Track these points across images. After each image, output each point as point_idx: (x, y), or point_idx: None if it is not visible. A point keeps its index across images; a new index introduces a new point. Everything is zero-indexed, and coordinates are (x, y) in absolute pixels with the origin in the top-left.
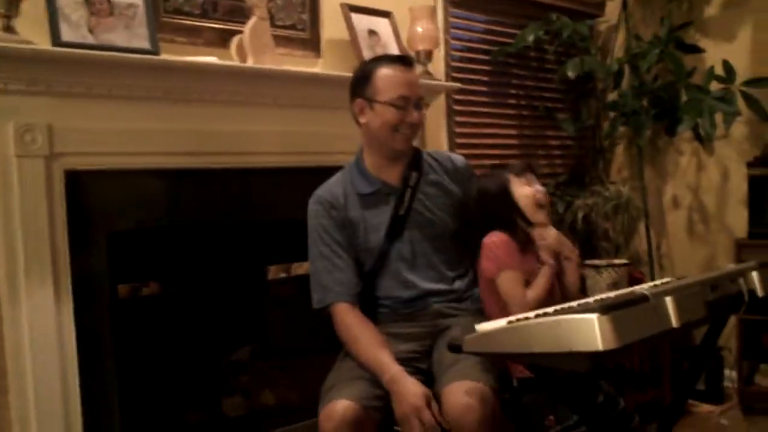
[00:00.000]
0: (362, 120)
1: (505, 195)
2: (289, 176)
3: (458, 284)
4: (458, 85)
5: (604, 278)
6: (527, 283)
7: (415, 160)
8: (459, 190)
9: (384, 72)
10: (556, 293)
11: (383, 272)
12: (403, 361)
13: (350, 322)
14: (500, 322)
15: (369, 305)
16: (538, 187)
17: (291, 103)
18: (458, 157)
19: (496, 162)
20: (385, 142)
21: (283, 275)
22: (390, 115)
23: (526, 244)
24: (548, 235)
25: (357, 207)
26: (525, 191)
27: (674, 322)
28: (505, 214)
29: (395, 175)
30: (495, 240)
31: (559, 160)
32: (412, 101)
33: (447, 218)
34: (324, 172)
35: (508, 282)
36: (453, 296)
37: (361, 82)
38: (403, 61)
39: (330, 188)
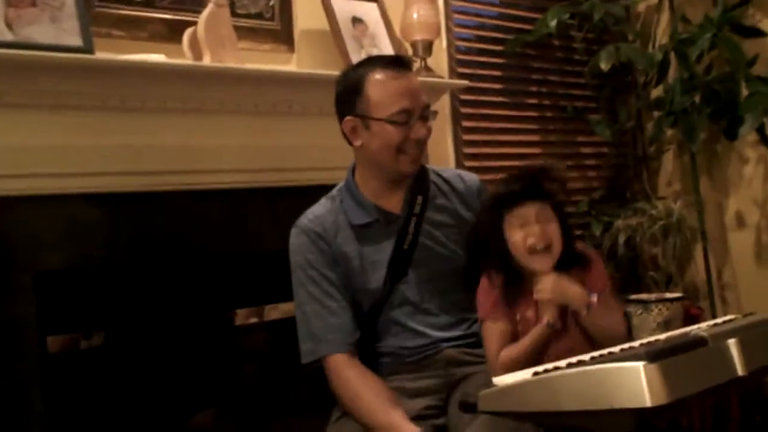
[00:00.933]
0: (356, 143)
1: (494, 231)
2: (257, 199)
3: (475, 328)
4: (465, 82)
5: (654, 317)
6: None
7: (419, 182)
8: (472, 218)
9: (377, 80)
10: (552, 357)
11: (385, 318)
12: (416, 419)
13: (349, 375)
14: (524, 374)
15: (367, 357)
16: (533, 228)
17: (258, 110)
18: (470, 176)
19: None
20: (387, 166)
21: (253, 320)
22: (391, 135)
23: (522, 289)
24: (543, 287)
25: (351, 240)
26: (514, 237)
27: (740, 370)
28: (495, 252)
29: (396, 201)
30: (480, 284)
31: (594, 172)
32: (417, 113)
33: (460, 251)
34: (302, 193)
35: (484, 333)
36: (470, 341)
37: (349, 95)
38: (400, 63)
39: (317, 217)
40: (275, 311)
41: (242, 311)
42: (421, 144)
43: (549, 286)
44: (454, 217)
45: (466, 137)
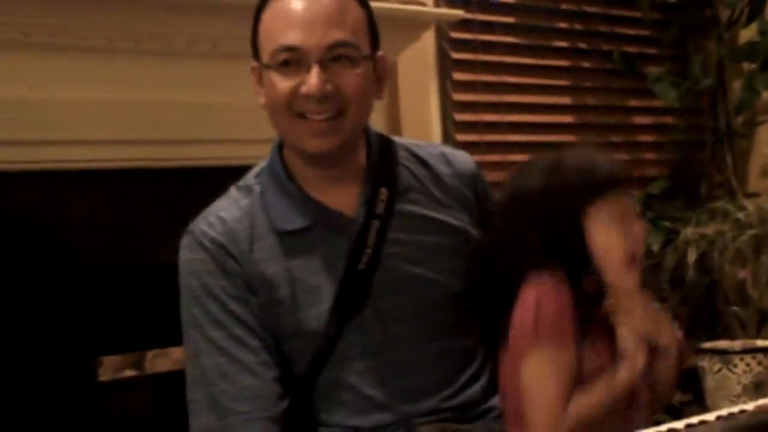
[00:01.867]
0: (261, 99)
1: (571, 227)
2: (141, 186)
3: (471, 392)
4: (459, 12)
5: (738, 375)
6: (580, 383)
7: (382, 166)
8: (465, 219)
9: (273, 6)
10: (636, 414)
11: (328, 379)
12: None
13: None
14: None
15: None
16: (634, 228)
17: (140, 48)
18: (460, 156)
19: (519, 160)
20: (289, 141)
21: (129, 374)
22: (275, 86)
23: (593, 305)
24: (637, 310)
25: (277, 256)
26: (607, 240)
27: None
28: (568, 242)
29: (347, 196)
30: (540, 288)
31: (652, 154)
32: (314, 54)
33: (447, 274)
34: (217, 178)
35: (535, 370)
36: (459, 412)
37: (253, 29)
38: None
39: (222, 219)
40: (163, 360)
41: (111, 359)
42: (319, 104)
43: (647, 310)
44: (435, 222)
45: (458, 97)
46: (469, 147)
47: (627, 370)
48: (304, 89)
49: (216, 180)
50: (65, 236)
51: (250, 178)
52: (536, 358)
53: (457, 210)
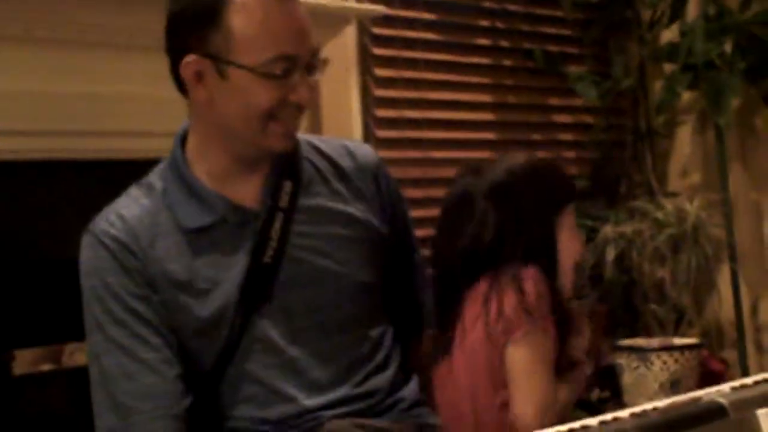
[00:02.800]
0: (200, 96)
1: (547, 233)
2: (49, 178)
3: (376, 381)
4: (381, 9)
5: (656, 373)
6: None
7: (287, 159)
8: (368, 211)
9: (247, 5)
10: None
11: (235, 373)
12: None
13: None
14: None
15: (205, 429)
16: (580, 237)
17: (53, 37)
18: (363, 149)
19: (450, 158)
20: (247, 139)
21: (46, 368)
22: (260, 93)
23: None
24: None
25: (180, 253)
26: (572, 247)
27: None
28: (547, 237)
29: (251, 190)
30: (531, 274)
31: (572, 153)
32: (302, 62)
33: (352, 265)
34: (124, 171)
35: (535, 350)
36: (366, 405)
37: (196, 22)
38: None
39: (122, 217)
40: (81, 354)
41: (27, 353)
42: (301, 110)
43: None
44: (340, 214)
45: (380, 93)
46: (390, 143)
47: (579, 374)
48: (295, 98)
49: (126, 172)
50: None
51: (151, 176)
52: (532, 339)
53: (359, 202)
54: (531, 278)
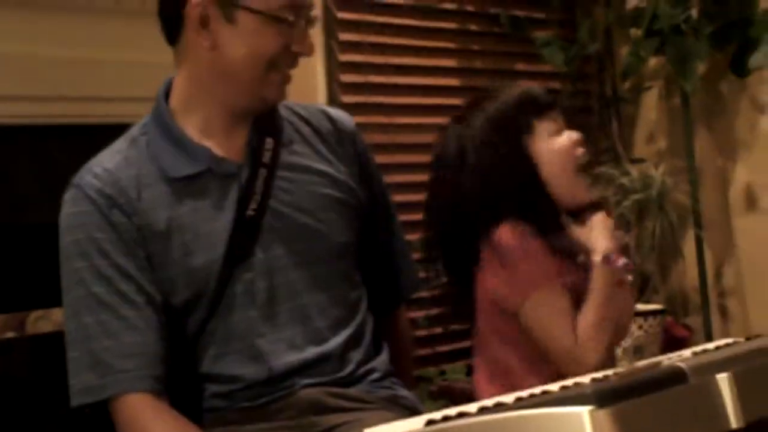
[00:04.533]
0: (202, 39)
1: (516, 152)
2: (17, 143)
3: (352, 349)
4: None
5: None
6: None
7: (268, 118)
8: (347, 173)
9: None
10: (624, 319)
11: (215, 329)
12: None
13: (151, 421)
14: (414, 423)
15: (182, 395)
16: (574, 134)
17: (36, 2)
18: (341, 114)
19: (416, 123)
20: (246, 87)
21: (9, 335)
22: (270, 38)
23: (560, 242)
24: (595, 220)
25: (166, 203)
26: (556, 144)
27: (734, 420)
28: (521, 187)
29: (234, 144)
30: (511, 237)
31: None
32: (306, 12)
33: (333, 224)
34: (96, 135)
35: (544, 309)
36: (339, 370)
37: None
38: None
39: (107, 170)
40: (45, 322)
41: None
42: (297, 61)
43: (602, 219)
44: (318, 172)
45: (344, 57)
46: (355, 108)
47: (601, 273)
48: (298, 48)
49: (94, 138)
50: None
51: (134, 130)
52: (537, 300)
53: (340, 164)
54: (507, 246)
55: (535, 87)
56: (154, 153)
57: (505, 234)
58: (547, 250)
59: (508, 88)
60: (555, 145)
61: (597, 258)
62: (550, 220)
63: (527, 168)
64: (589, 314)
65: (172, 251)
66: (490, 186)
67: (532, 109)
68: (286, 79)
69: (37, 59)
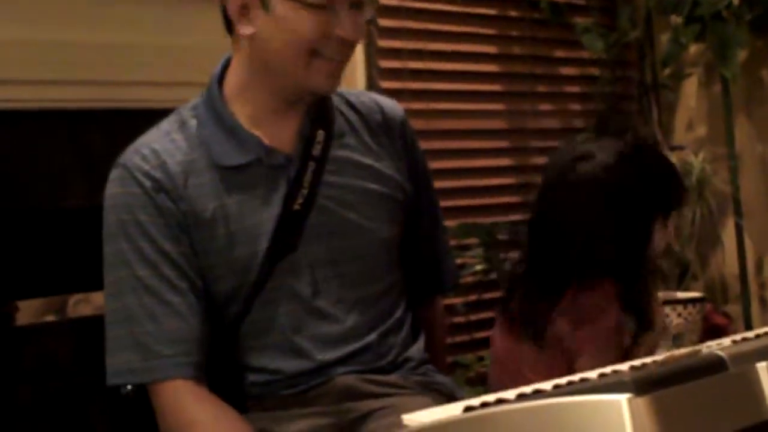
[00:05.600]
0: (245, 30)
1: (645, 231)
2: (57, 128)
3: (392, 339)
4: None
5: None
6: None
7: (320, 108)
8: (395, 167)
9: None
10: None
11: (255, 321)
12: None
13: (195, 413)
14: (452, 408)
15: (221, 382)
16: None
17: None
18: (390, 104)
19: (454, 109)
20: (290, 76)
21: (49, 319)
22: (305, 24)
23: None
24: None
25: (214, 191)
26: (660, 238)
27: None
28: (631, 257)
29: (286, 135)
30: (602, 296)
31: (577, 105)
32: None
33: (378, 221)
34: (138, 120)
35: (596, 358)
36: (377, 360)
37: None
38: None
39: (155, 152)
40: (85, 305)
41: (30, 304)
42: (348, 48)
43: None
44: (369, 168)
45: (384, 43)
46: (394, 94)
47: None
48: (341, 33)
49: (133, 123)
50: None
51: (184, 111)
52: (592, 360)
53: (387, 158)
54: (593, 299)
55: (674, 177)
56: (204, 138)
57: (599, 291)
58: (622, 319)
59: (659, 153)
60: (660, 238)
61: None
62: (641, 298)
63: (644, 243)
64: None
65: (216, 240)
66: (605, 239)
67: (675, 196)
68: (337, 68)
69: (76, 44)
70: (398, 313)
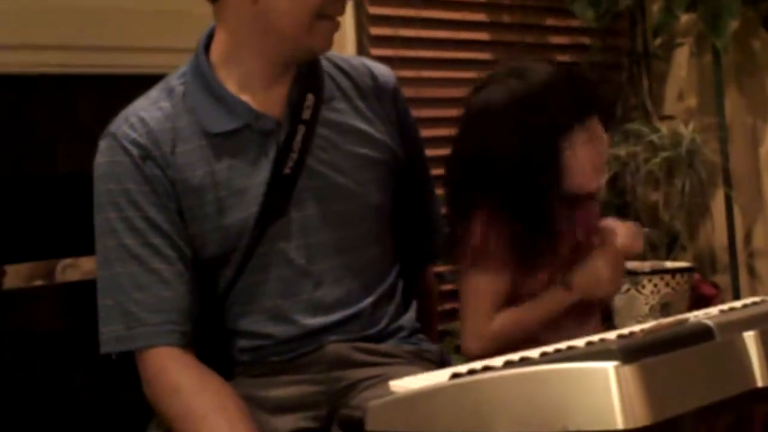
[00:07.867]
0: None
1: (550, 150)
2: (43, 94)
3: (383, 307)
4: None
5: (646, 296)
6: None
7: (310, 71)
8: (387, 132)
9: None
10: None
11: (245, 287)
12: None
13: (181, 380)
14: (439, 375)
15: (209, 349)
16: (602, 146)
17: None
18: (382, 69)
19: (444, 77)
20: (292, 39)
21: (37, 283)
22: None
23: (550, 240)
24: (624, 231)
25: (202, 158)
26: (581, 155)
27: (760, 378)
28: (540, 180)
29: (275, 99)
30: (477, 217)
31: None
32: None
33: (369, 185)
34: (126, 86)
35: (468, 287)
36: (369, 328)
37: None
38: None
39: (143, 120)
40: (73, 270)
41: (17, 268)
42: (345, 4)
43: (627, 231)
44: (358, 132)
45: (374, 10)
46: (384, 61)
47: (557, 294)
48: None
49: (123, 88)
50: None
51: (171, 79)
52: (469, 278)
53: (379, 123)
54: (480, 221)
55: (589, 79)
56: (192, 105)
57: (481, 215)
58: (517, 246)
59: (558, 67)
60: (581, 155)
61: (571, 284)
62: (544, 226)
63: (552, 170)
64: (503, 318)
65: (206, 207)
66: (500, 164)
67: (580, 109)
68: (335, 27)
69: (65, 8)
70: (390, 280)
